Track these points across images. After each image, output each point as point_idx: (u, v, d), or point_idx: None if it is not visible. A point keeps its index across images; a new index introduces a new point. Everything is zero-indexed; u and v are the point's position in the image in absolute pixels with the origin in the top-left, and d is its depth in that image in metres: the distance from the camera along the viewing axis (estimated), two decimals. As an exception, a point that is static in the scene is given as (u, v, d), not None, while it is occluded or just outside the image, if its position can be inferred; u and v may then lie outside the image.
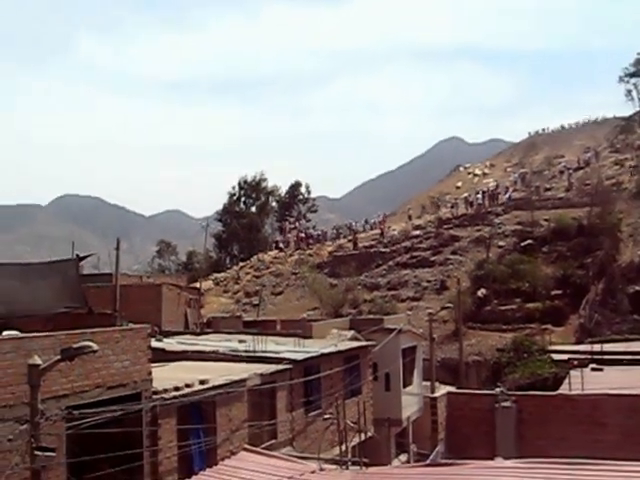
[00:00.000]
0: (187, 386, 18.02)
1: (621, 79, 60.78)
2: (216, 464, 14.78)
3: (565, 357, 35.70)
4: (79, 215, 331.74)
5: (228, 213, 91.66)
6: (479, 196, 72.45)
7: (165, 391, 17.19)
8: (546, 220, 61.90)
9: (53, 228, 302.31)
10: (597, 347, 35.56)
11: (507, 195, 70.46)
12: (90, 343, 12.44)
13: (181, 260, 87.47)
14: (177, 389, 17.59)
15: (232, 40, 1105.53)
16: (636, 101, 61.23)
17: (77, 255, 23.41)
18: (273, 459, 13.24)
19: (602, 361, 33.05)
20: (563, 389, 27.61)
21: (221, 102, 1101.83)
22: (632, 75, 60.21)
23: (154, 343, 21.35)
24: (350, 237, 73.29)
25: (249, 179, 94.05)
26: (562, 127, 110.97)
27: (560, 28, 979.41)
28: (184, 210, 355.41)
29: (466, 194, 76.60)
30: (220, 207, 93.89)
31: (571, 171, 75.41)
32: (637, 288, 51.13)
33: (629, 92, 60.76)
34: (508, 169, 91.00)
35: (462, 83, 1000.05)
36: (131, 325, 18.85)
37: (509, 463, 12.33)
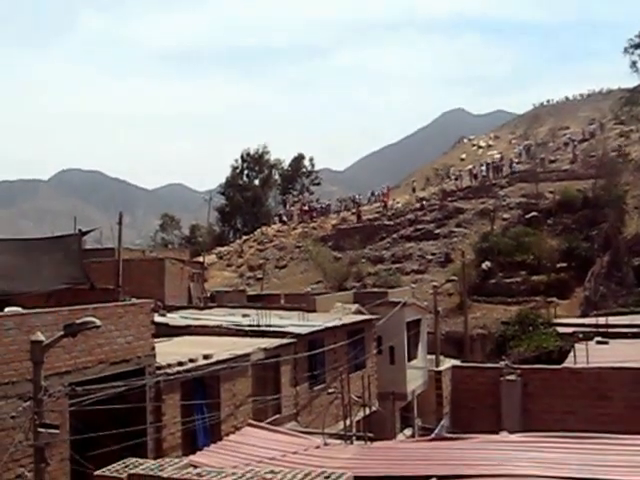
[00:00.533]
0: (191, 361, 18.02)
1: (626, 50, 60.05)
2: (220, 439, 14.81)
3: (570, 330, 35.65)
4: (81, 189, 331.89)
5: (231, 186, 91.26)
6: (483, 168, 72.16)
7: (169, 366, 17.19)
8: (551, 192, 61.73)
9: (55, 202, 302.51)
10: (602, 320, 35.49)
11: (512, 167, 70.11)
12: (93, 319, 12.39)
13: (184, 234, 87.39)
14: (181, 364, 17.58)
15: (236, 12, 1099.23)
16: (641, 72, 60.52)
17: (80, 230, 23.32)
18: (277, 434, 13.26)
19: (607, 334, 33.00)
20: (568, 362, 27.59)
21: (224, 75, 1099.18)
22: (637, 46, 59.45)
23: (157, 318, 21.37)
24: (354, 210, 73.12)
25: (252, 152, 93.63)
26: (567, 98, 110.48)
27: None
28: (187, 184, 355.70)
29: (470, 166, 76.34)
30: (223, 180, 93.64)
31: (576, 143, 75.10)
32: (643, 260, 51.12)
33: (634, 64, 59.97)
34: (513, 141, 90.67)
35: (467, 55, 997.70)
36: (134, 300, 18.82)
37: (514, 437, 12.33)
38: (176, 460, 11.37)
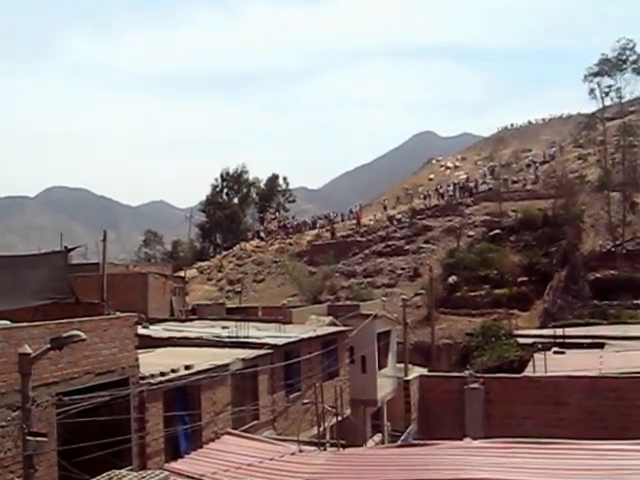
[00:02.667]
0: (173, 371, 18.01)
1: (585, 78, 60.89)
2: (201, 445, 14.83)
3: (530, 341, 35.98)
4: (67, 206, 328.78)
5: (211, 204, 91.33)
6: (450, 188, 72.76)
7: (152, 376, 17.17)
8: (513, 211, 62.47)
9: (42, 219, 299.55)
10: (560, 331, 35.91)
11: (486, 187, 70.65)
12: (79, 332, 12.40)
13: (166, 249, 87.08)
14: (163, 374, 17.57)
15: (216, 37, 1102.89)
16: (599, 99, 61.53)
17: (66, 247, 23.24)
18: (255, 442, 13.32)
19: (564, 344, 33.39)
20: (528, 371, 27.83)
21: (206, 97, 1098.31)
22: (596, 74, 60.35)
23: (141, 330, 21.34)
24: (328, 227, 73.33)
25: (231, 171, 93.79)
26: (529, 122, 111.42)
27: (531, 29, 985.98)
28: (169, 201, 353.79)
29: (438, 186, 76.90)
30: (203, 198, 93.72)
31: (537, 164, 76.04)
32: (597, 275, 51.89)
33: (592, 91, 60.84)
34: (478, 162, 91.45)
35: (436, 80, 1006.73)
36: (118, 314, 18.80)
37: (476, 443, 12.49)
38: (157, 472, 11.38)
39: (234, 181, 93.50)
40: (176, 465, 12.24)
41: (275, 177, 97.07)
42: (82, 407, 13.45)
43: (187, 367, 18.59)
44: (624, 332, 35.57)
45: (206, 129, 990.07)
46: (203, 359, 19.80)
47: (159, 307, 34.75)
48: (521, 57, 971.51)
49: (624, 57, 59.00)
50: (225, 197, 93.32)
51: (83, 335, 12.32)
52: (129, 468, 13.93)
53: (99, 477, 11.67)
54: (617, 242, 55.32)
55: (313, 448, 15.12)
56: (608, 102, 62.28)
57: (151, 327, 26.98)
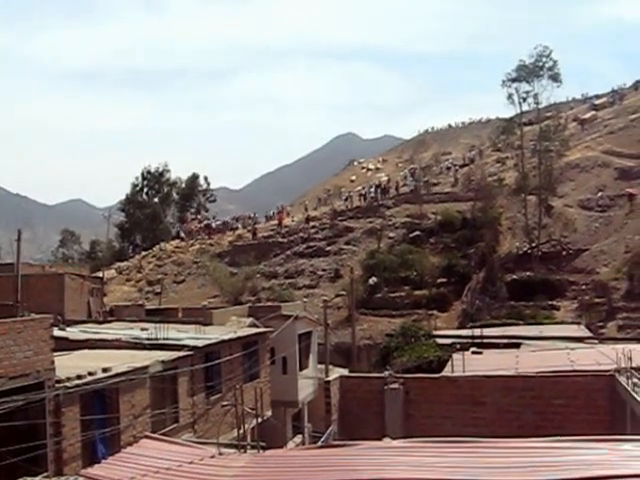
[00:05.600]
0: (90, 374, 17.72)
1: (504, 83, 62.37)
2: (119, 451, 14.57)
3: (449, 341, 36.63)
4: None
5: (131, 203, 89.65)
6: (372, 189, 73.56)
7: (68, 380, 16.85)
8: (433, 213, 63.61)
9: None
10: (477, 332, 36.67)
11: (407, 189, 71.65)
12: (-9, 335, 12.06)
13: (84, 249, 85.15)
14: (80, 377, 17.27)
15: (139, 33, 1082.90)
16: (517, 104, 63.16)
17: (-23, 246, 22.54)
18: (174, 445, 13.13)
19: (482, 345, 34.10)
20: (446, 371, 28.30)
21: (126, 94, 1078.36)
22: (514, 80, 61.85)
23: (57, 332, 20.84)
24: (249, 227, 73.08)
25: (153, 170, 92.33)
26: (450, 126, 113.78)
27: (452, 33, 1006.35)
28: (87, 200, 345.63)
29: (360, 187, 77.59)
30: (123, 197, 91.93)
31: (457, 167, 77.65)
32: (514, 277, 53.45)
33: (510, 96, 62.21)
34: (399, 164, 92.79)
35: (359, 82, 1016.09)
36: (33, 315, 18.32)
37: (395, 443, 12.62)
38: (72, 478, 11.14)
39: (155, 180, 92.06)
40: (93, 471, 11.96)
41: (196, 177, 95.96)
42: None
43: (105, 370, 18.30)
44: (539, 332, 36.63)
45: (126, 127, 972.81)
46: (121, 361, 19.50)
47: (76, 308, 34.03)
48: (442, 61, 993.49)
49: (541, 64, 60.68)
50: (145, 196, 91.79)
51: (-4, 338, 11.98)
52: (44, 475, 13.61)
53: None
54: (533, 244, 57.05)
55: (233, 450, 15.03)
56: (526, 107, 63.89)
57: (68, 329, 26.36)
